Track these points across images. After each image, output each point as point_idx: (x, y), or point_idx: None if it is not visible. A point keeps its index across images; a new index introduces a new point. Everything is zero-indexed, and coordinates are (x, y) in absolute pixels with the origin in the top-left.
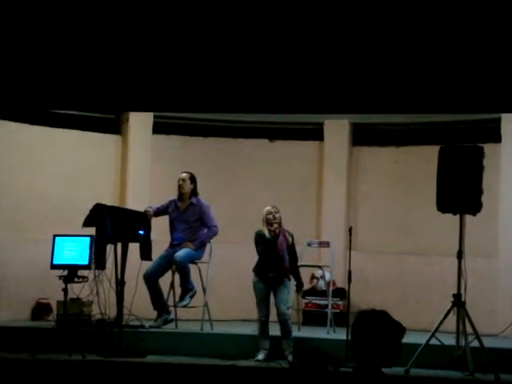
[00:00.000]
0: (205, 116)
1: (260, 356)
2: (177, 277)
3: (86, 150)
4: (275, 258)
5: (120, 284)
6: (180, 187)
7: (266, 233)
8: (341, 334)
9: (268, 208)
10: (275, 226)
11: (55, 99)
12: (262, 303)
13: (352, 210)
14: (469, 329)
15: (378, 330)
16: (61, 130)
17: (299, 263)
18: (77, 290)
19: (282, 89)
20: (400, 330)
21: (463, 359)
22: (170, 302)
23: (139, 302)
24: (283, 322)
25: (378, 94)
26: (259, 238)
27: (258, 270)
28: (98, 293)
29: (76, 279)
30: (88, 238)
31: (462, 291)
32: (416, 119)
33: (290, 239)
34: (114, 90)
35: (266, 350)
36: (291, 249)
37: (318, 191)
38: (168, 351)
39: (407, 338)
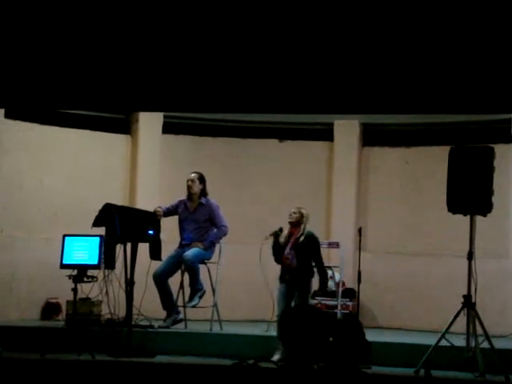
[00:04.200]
0: (214, 116)
1: (275, 357)
2: (186, 277)
3: (95, 150)
4: (284, 261)
5: (129, 284)
6: (189, 187)
7: (282, 238)
8: None
9: (292, 208)
10: (288, 219)
11: (65, 99)
12: (278, 302)
13: (362, 211)
14: (479, 330)
15: (306, 324)
16: (71, 129)
17: None
18: (86, 289)
19: (291, 89)
20: (327, 324)
21: (473, 360)
22: (180, 302)
23: (148, 302)
24: None
25: (387, 94)
26: (273, 244)
27: (280, 272)
28: (107, 293)
29: (85, 279)
30: (98, 238)
31: (473, 292)
32: (426, 120)
33: (302, 237)
34: (124, 89)
35: (282, 350)
36: (303, 247)
37: (328, 192)
38: (177, 351)
39: (417, 339)
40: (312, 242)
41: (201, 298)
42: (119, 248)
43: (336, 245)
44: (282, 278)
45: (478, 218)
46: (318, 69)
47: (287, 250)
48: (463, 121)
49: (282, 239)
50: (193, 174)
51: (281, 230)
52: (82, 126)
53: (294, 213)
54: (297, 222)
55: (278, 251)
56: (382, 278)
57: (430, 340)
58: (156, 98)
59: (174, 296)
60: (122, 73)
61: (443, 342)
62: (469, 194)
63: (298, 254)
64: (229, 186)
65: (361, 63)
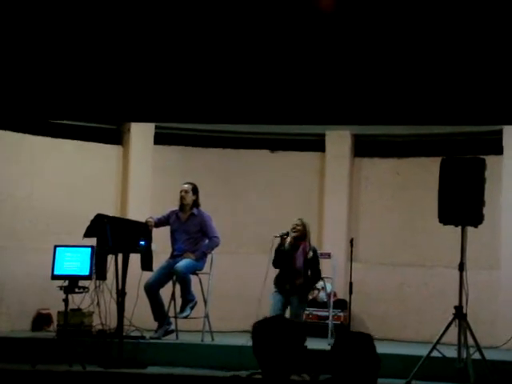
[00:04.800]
0: (206, 127)
1: None
2: (177, 288)
3: (87, 161)
4: (290, 271)
5: (121, 295)
6: (182, 198)
7: (286, 244)
8: None
9: (294, 219)
10: (293, 234)
11: (57, 109)
12: (274, 311)
13: (353, 222)
14: (470, 341)
15: (278, 336)
16: (62, 140)
17: None
18: (77, 300)
19: (283, 100)
20: (301, 334)
21: (464, 371)
22: (171, 313)
23: (140, 313)
24: None
25: (379, 105)
26: (277, 247)
27: (276, 280)
28: (98, 303)
29: (77, 290)
30: (89, 249)
31: (464, 303)
32: (417, 131)
33: (311, 253)
34: (116, 100)
35: None
36: (310, 263)
37: (320, 202)
38: (168, 362)
39: (409, 350)
40: (315, 256)
41: (192, 308)
42: (110, 259)
43: (327, 255)
44: (279, 287)
45: (470, 229)
46: (310, 80)
47: (298, 265)
48: (454, 132)
49: (286, 245)
50: (186, 185)
51: (288, 234)
52: (73, 136)
53: (298, 225)
54: (301, 235)
55: (280, 256)
56: (373, 288)
57: (422, 351)
58: (147, 109)
59: (166, 307)
60: (114, 83)
61: (435, 353)
62: (460, 205)
63: (306, 268)
64: (220, 197)
65: (352, 75)
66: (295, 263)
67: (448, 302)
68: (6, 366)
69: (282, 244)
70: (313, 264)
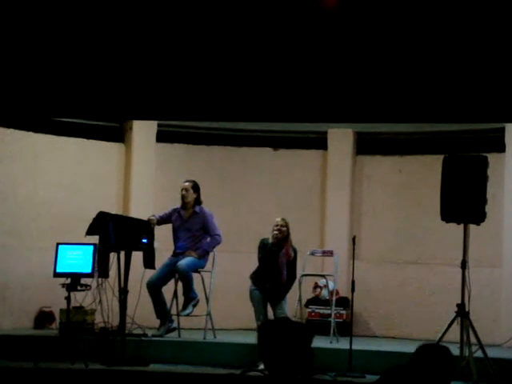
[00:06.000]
0: (209, 124)
1: (261, 365)
2: (180, 285)
3: (89, 158)
4: (273, 270)
5: (123, 292)
6: (183, 196)
7: (270, 242)
8: (344, 344)
9: (277, 220)
10: (275, 233)
11: (59, 107)
12: (259, 311)
13: (355, 219)
14: (473, 339)
15: (284, 336)
16: (65, 138)
17: (303, 272)
18: (80, 298)
19: (285, 97)
20: (307, 333)
21: (467, 369)
22: (173, 311)
23: (142, 311)
24: None
25: (381, 103)
26: (262, 246)
27: (255, 277)
28: (100, 301)
29: (79, 287)
30: (91, 247)
31: (466, 301)
32: (420, 128)
33: (293, 254)
34: (118, 98)
35: None
36: (292, 264)
37: (322, 200)
38: (171, 360)
39: (411, 348)
40: (296, 257)
41: (194, 306)
42: (113, 256)
43: (330, 253)
44: (258, 284)
45: (472, 227)
46: (312, 77)
47: (281, 265)
48: (457, 130)
49: (270, 244)
50: (186, 183)
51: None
52: (75, 134)
53: (282, 226)
54: (286, 236)
55: (268, 253)
56: (375, 286)
57: None
58: (150, 107)
59: (168, 305)
60: (116, 81)
61: None
62: (462, 203)
63: (288, 268)
64: (223, 195)
65: (355, 72)
66: (279, 263)
67: (450, 299)
68: (9, 364)
69: (267, 243)
70: (292, 265)
